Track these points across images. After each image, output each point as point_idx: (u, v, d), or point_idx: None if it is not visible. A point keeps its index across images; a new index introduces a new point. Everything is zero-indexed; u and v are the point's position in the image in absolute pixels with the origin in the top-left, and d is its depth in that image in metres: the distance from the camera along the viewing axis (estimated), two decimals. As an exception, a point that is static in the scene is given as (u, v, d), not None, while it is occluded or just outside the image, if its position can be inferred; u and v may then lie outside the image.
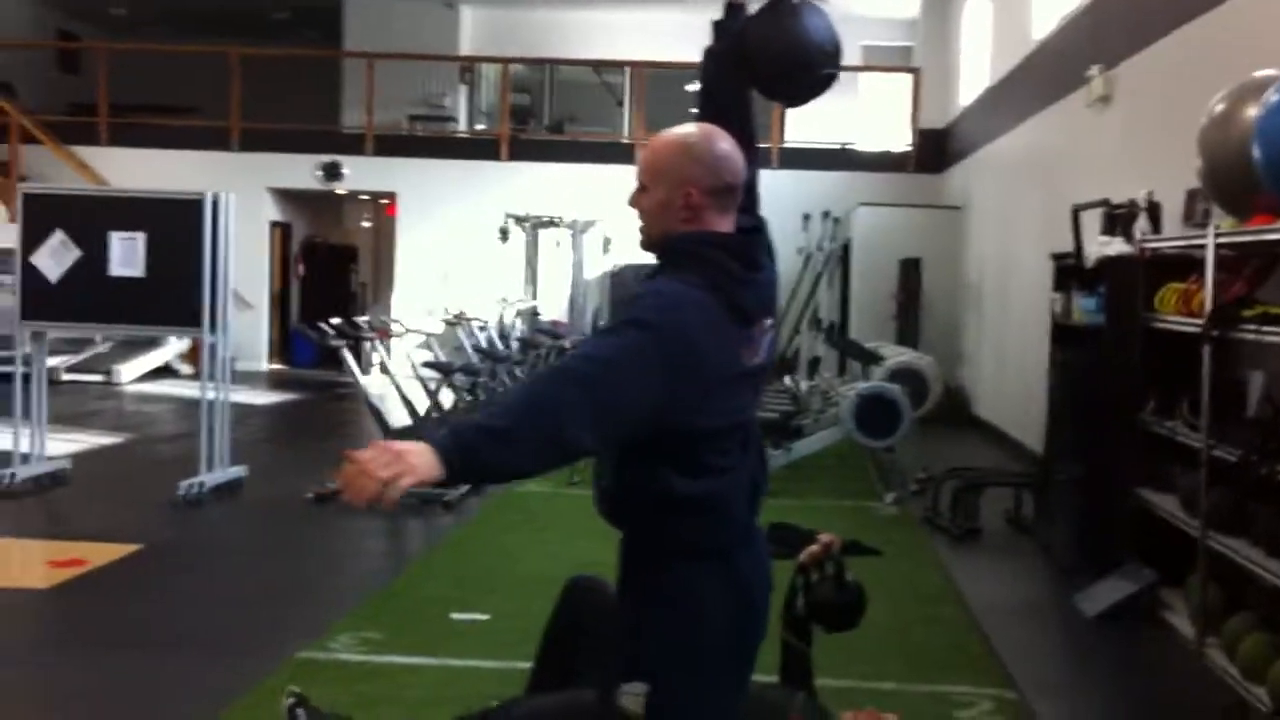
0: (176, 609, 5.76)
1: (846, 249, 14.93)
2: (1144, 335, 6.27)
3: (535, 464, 2.23)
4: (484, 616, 5.55)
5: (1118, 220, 7.08)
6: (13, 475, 8.04)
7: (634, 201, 2.51)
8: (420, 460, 2.09)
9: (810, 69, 2.81)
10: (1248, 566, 4.92)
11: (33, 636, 5.48)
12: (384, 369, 9.57)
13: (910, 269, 14.44)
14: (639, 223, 2.52)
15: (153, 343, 15.41)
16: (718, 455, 2.42)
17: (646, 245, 2.54)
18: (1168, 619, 5.77)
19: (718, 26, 2.84)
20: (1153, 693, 5.02)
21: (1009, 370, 11.53)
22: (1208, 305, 5.36)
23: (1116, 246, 6.62)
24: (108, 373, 15.06)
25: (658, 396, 2.26)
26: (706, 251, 2.42)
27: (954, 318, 14.31)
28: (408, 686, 4.70)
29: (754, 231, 2.59)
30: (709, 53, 2.84)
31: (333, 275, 18.84)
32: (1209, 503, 5.30)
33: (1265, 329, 4.90)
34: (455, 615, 5.58)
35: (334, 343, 8.65)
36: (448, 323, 11.52)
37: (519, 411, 2.18)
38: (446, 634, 5.33)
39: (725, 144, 2.48)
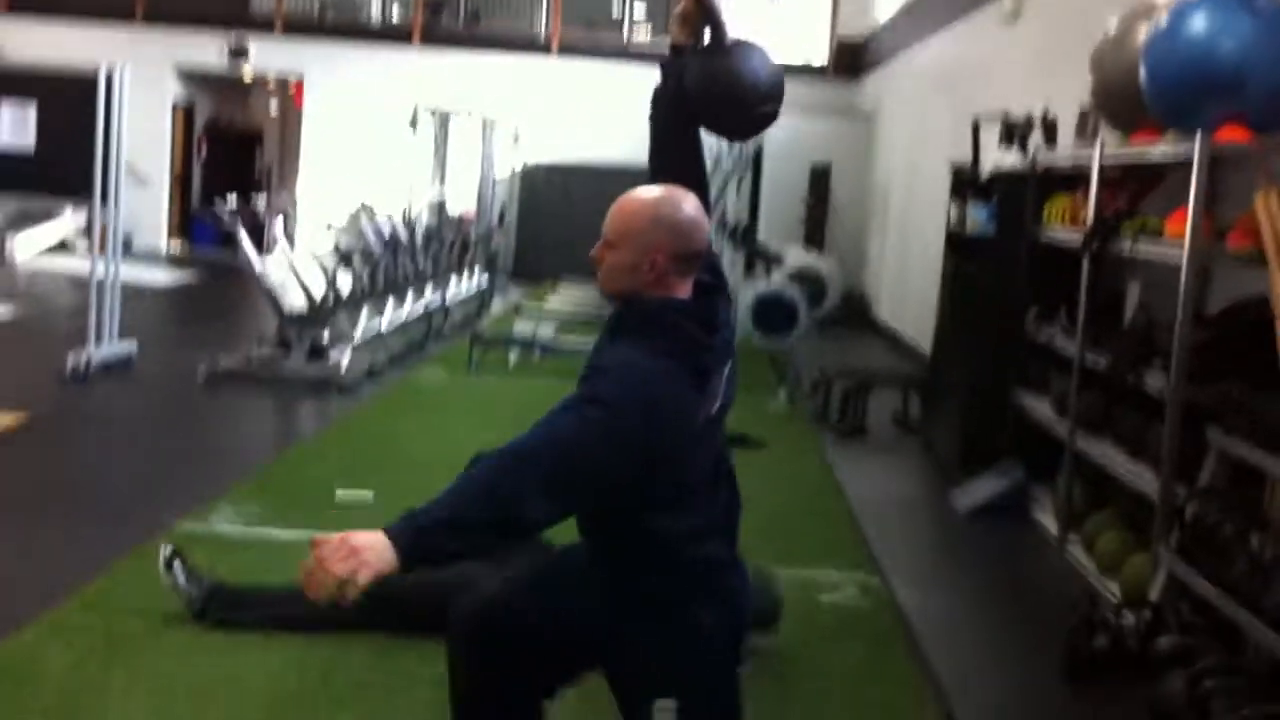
0: (58, 477, 5.72)
1: (758, 154, 14.94)
2: (1031, 247, 6.42)
3: (491, 546, 2.29)
4: (368, 494, 5.58)
5: (1015, 133, 7.18)
6: (-106, 343, 7.89)
7: (598, 255, 2.53)
8: (377, 555, 2.11)
9: (747, 108, 2.86)
10: (1110, 467, 5.12)
11: (-92, 501, 5.43)
12: (281, 252, 9.46)
13: (820, 176, 14.53)
14: (601, 274, 2.55)
15: (47, 217, 15.06)
16: (690, 497, 2.51)
17: (606, 295, 2.58)
18: (1036, 516, 5.98)
19: (663, 69, 2.89)
20: (1010, 583, 5.22)
21: (910, 277, 11.70)
22: (1090, 218, 5.50)
23: (1011, 159, 6.73)
24: (1, 246, 14.70)
25: (619, 470, 2.32)
26: (670, 318, 2.47)
27: (861, 224, 14.45)
28: (285, 559, 4.72)
29: (714, 290, 2.63)
30: (655, 96, 2.88)
31: (237, 159, 18.47)
32: (1078, 406, 5.48)
33: (1141, 242, 5.05)
34: (339, 493, 5.61)
35: (229, 224, 8.51)
36: (353, 213, 11.40)
37: (478, 501, 2.21)
38: (328, 510, 5.35)
39: (693, 210, 2.52)
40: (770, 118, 2.92)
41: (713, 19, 2.83)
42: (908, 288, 11.80)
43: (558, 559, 2.78)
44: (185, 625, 3.96)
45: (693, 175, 2.79)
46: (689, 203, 2.53)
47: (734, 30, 2.87)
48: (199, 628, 3.95)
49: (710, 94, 2.83)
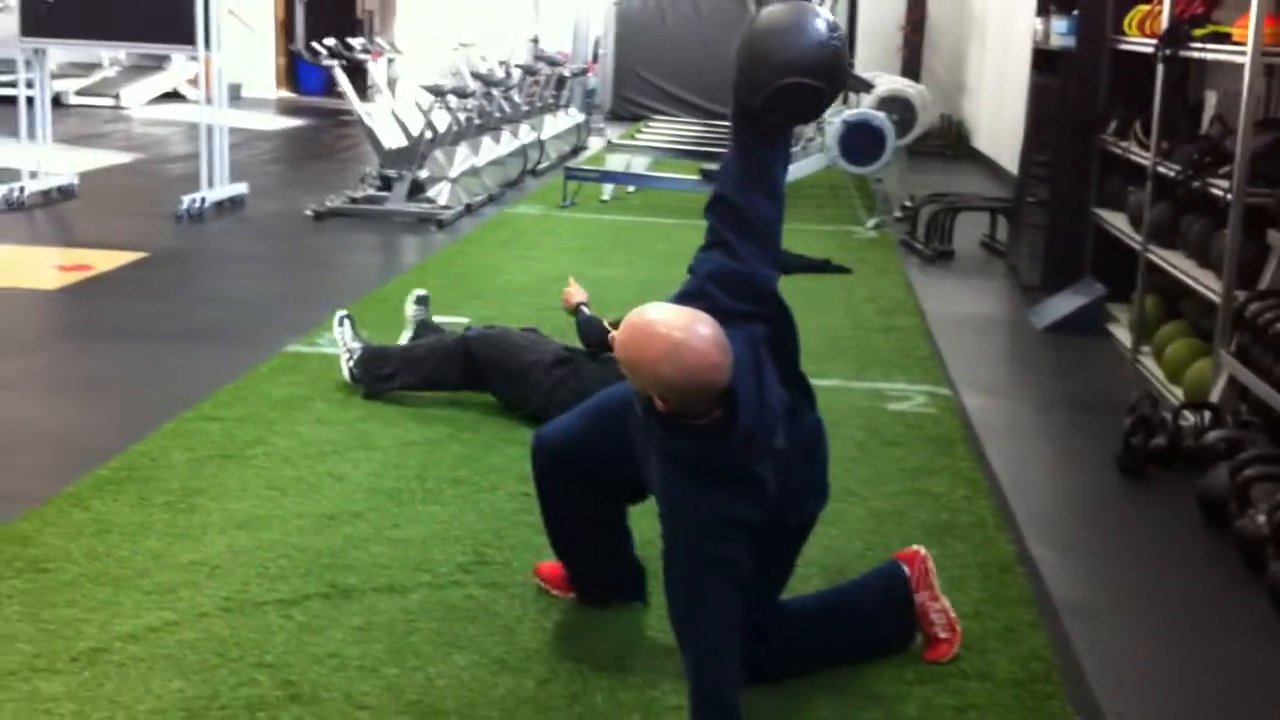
0: (177, 308, 6.11)
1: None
2: (1111, 57, 6.40)
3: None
4: (463, 319, 5.88)
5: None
6: (21, 189, 8.33)
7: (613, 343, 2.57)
8: None
9: (764, 77, 2.52)
10: (1179, 276, 5.20)
11: (43, 330, 5.88)
12: (379, 91, 9.71)
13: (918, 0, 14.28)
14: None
15: (159, 66, 15.49)
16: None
17: None
18: (1112, 331, 6.09)
19: None
20: (1079, 393, 5.36)
21: (1006, 102, 11.56)
22: (1164, 25, 5.48)
23: (1094, -32, 6.65)
24: (116, 97, 15.18)
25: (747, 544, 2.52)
26: (699, 450, 2.50)
27: (959, 50, 14.22)
28: (387, 376, 5.06)
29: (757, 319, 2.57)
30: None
31: (338, 2, 18.60)
32: (1150, 217, 5.54)
33: (1212, 47, 5.05)
34: (436, 318, 5.90)
35: (327, 63, 8.76)
36: (450, 52, 11.57)
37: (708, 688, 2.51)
38: (427, 333, 5.68)
39: (696, 368, 2.36)
40: (799, 91, 2.52)
41: None
42: (1004, 114, 11.67)
43: (626, 401, 2.89)
44: (294, 433, 4.33)
45: (766, 170, 2.66)
46: (697, 355, 2.36)
47: None
48: (305, 435, 4.31)
49: (736, 61, 2.56)
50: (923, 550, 3.03)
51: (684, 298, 2.59)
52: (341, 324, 4.87)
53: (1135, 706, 2.90)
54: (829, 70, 2.55)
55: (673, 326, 2.39)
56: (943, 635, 2.99)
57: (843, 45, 2.60)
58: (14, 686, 2.71)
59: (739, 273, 2.61)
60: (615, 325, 4.27)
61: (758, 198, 2.64)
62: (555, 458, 3.01)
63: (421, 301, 5.10)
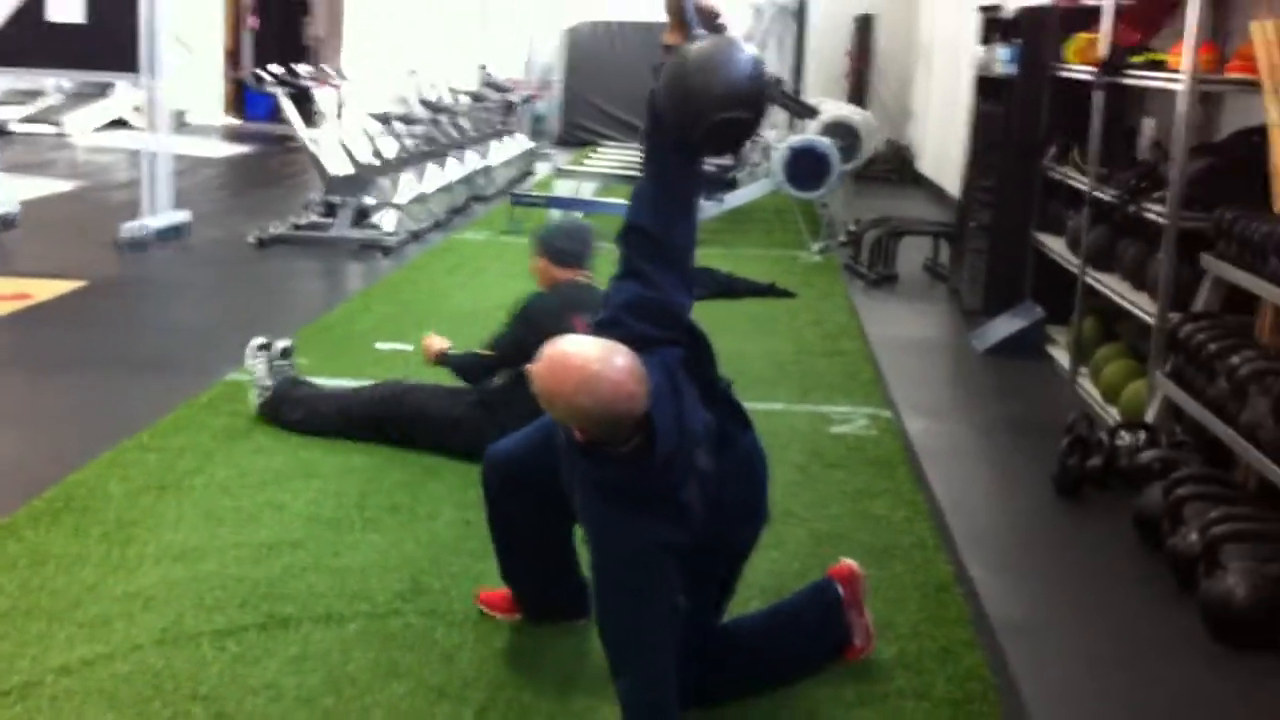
0: (118, 337, 6.06)
1: (802, 6, 14.81)
2: (1052, 84, 6.49)
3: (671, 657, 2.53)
4: (407, 347, 5.86)
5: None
6: (-40, 218, 8.24)
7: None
8: None
9: (700, 112, 2.55)
10: (1116, 299, 5.28)
11: (-20, 361, 5.80)
12: (328, 120, 9.69)
13: (864, 27, 14.41)
14: None
15: (103, 93, 15.36)
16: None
17: None
18: (1051, 353, 6.16)
19: (655, 73, 2.67)
20: (1018, 414, 5.41)
21: (952, 129, 11.68)
22: (1103, 52, 5.57)
23: (1037, -2, 6.76)
24: (60, 124, 15.04)
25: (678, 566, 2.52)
26: (621, 477, 2.50)
27: (906, 76, 14.37)
28: (330, 403, 5.03)
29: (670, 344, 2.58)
30: (649, 98, 2.67)
31: (285, 30, 18.55)
32: (1088, 241, 5.62)
33: (1149, 74, 5.14)
34: (379, 345, 5.90)
35: (272, 90, 8.73)
36: (398, 78, 11.56)
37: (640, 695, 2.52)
38: (371, 361, 5.65)
39: (610, 399, 2.38)
40: (733, 126, 2.59)
41: (678, 8, 2.64)
42: (950, 140, 11.80)
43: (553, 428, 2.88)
44: (233, 463, 4.29)
45: (687, 198, 2.70)
46: (613, 385, 2.38)
47: (719, 25, 2.63)
48: (245, 465, 4.28)
49: (666, 95, 2.60)
50: (857, 569, 3.05)
51: (599, 327, 2.61)
52: (257, 355, 4.74)
53: (1070, 725, 2.93)
54: (759, 101, 2.63)
55: (588, 358, 2.41)
56: (858, 643, 3.03)
57: (765, 75, 2.67)
58: (-59, 722, 2.67)
59: (655, 300, 2.62)
60: (489, 348, 4.30)
61: (677, 226, 2.67)
62: (505, 477, 3.04)
63: (286, 355, 4.83)
